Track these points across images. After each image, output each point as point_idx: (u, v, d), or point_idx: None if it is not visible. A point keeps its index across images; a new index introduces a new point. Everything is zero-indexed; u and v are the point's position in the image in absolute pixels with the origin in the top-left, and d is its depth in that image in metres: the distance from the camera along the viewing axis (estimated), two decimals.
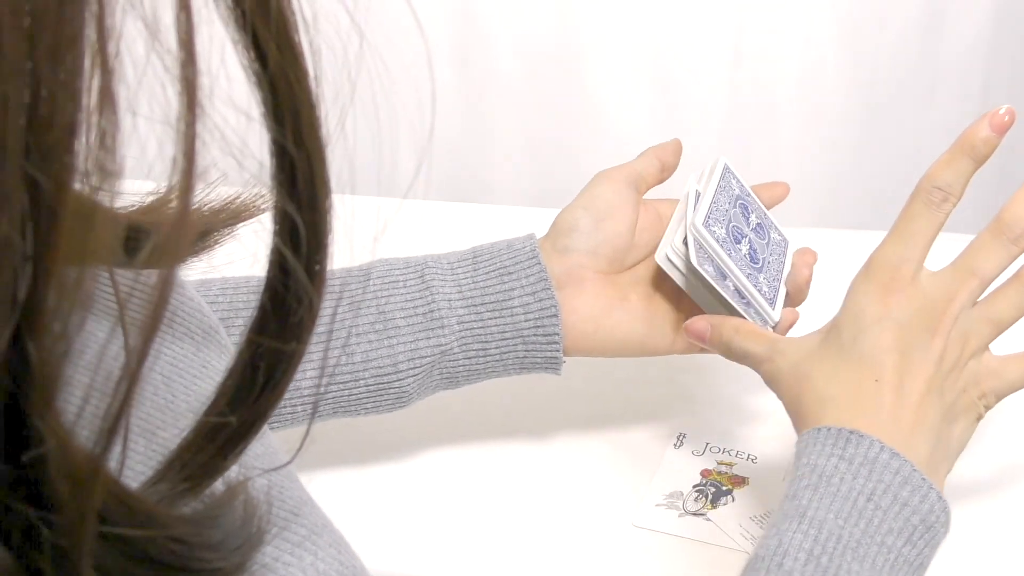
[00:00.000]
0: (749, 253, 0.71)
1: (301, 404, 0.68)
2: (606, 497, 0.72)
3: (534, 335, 0.69)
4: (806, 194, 1.20)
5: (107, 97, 0.25)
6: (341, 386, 0.69)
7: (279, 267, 0.31)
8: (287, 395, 0.68)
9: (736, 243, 0.70)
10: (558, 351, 0.70)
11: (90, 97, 0.25)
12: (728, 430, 0.78)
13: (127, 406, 0.28)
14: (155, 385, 0.38)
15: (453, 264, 0.71)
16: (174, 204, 0.39)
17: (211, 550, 0.31)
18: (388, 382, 0.69)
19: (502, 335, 0.69)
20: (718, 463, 0.75)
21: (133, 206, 0.37)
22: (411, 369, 0.68)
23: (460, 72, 1.30)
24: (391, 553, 0.69)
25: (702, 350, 0.71)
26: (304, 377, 0.67)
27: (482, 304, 0.69)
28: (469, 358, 0.70)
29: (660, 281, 0.72)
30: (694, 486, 0.73)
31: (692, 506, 0.71)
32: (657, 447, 0.76)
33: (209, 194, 0.40)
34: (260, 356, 0.31)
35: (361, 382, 0.68)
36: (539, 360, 0.71)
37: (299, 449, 0.35)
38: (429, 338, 0.68)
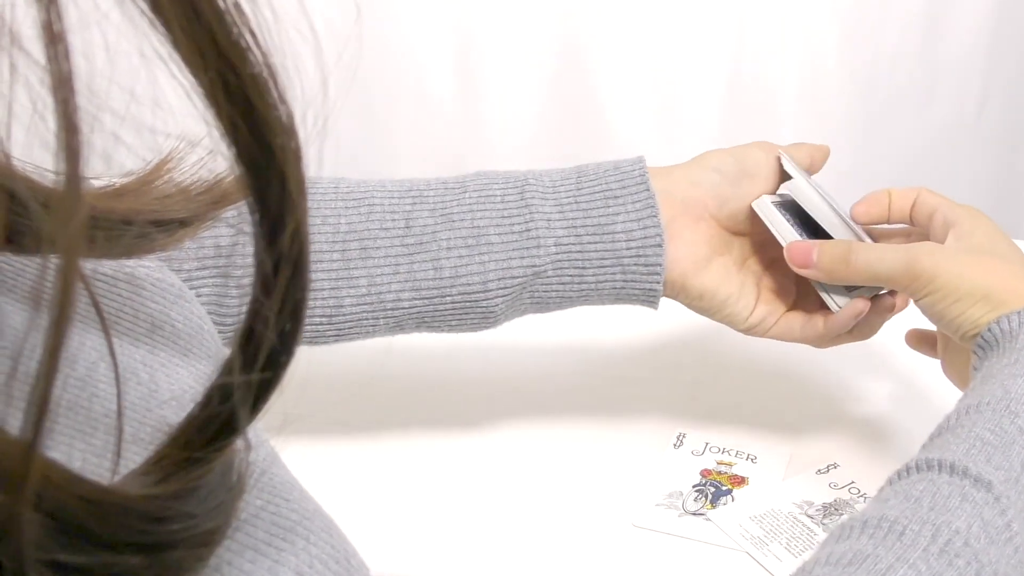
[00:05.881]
0: None
1: (384, 316, 0.67)
2: (606, 497, 0.72)
3: (634, 264, 0.67)
4: None
5: None
6: (426, 301, 0.66)
7: (254, 312, 0.29)
8: (370, 306, 0.67)
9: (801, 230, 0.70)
10: (658, 283, 0.67)
11: None
12: (728, 430, 0.78)
13: (48, 391, 0.26)
14: (141, 389, 0.37)
15: (556, 182, 0.68)
16: (160, 183, 0.38)
17: (190, 517, 0.30)
18: (475, 300, 0.66)
19: (601, 261, 0.67)
20: (718, 463, 0.75)
21: (102, 189, 0.36)
22: (500, 289, 0.66)
23: (462, 78, 1.30)
24: (390, 553, 0.69)
25: (771, 332, 0.70)
26: (389, 290, 0.66)
27: (583, 227, 0.67)
28: (563, 283, 0.67)
29: (770, 258, 0.72)
30: (694, 486, 0.73)
31: (692, 506, 0.71)
32: (657, 447, 0.76)
33: (195, 174, 0.39)
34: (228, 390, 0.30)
35: (448, 298, 0.66)
36: (637, 292, 0.68)
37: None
38: (523, 257, 0.66)
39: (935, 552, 0.48)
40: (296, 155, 0.28)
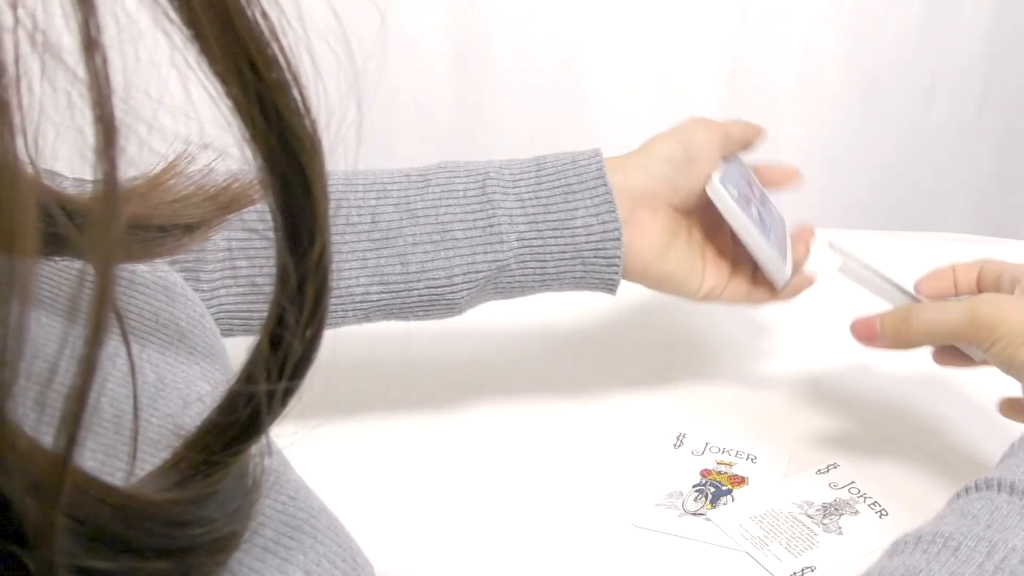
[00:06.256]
0: (759, 215, 0.74)
1: (353, 309, 0.69)
2: (606, 497, 0.72)
3: (594, 257, 0.70)
4: (805, 194, 1.21)
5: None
6: (393, 294, 0.69)
7: (278, 318, 0.29)
8: (339, 300, 0.70)
9: (747, 204, 0.73)
10: (616, 274, 0.70)
11: None
12: (728, 430, 0.78)
13: (83, 402, 0.26)
14: (152, 394, 0.37)
15: (516, 176, 0.70)
16: (167, 186, 0.38)
17: (209, 522, 0.30)
18: (441, 294, 0.69)
19: (561, 254, 0.70)
20: (718, 463, 0.75)
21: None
22: (465, 283, 0.69)
23: (462, 79, 1.30)
24: (390, 551, 0.69)
25: (721, 298, 0.74)
26: (357, 284, 0.68)
27: (544, 222, 0.69)
28: (525, 275, 0.70)
29: (709, 224, 0.74)
30: (694, 486, 0.73)
31: (692, 506, 0.71)
32: (657, 447, 0.76)
33: (203, 178, 0.39)
34: (251, 396, 0.30)
35: (414, 292, 0.69)
36: (596, 282, 0.71)
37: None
38: (487, 252, 0.68)
39: (990, 569, 0.48)
40: (321, 165, 0.28)
